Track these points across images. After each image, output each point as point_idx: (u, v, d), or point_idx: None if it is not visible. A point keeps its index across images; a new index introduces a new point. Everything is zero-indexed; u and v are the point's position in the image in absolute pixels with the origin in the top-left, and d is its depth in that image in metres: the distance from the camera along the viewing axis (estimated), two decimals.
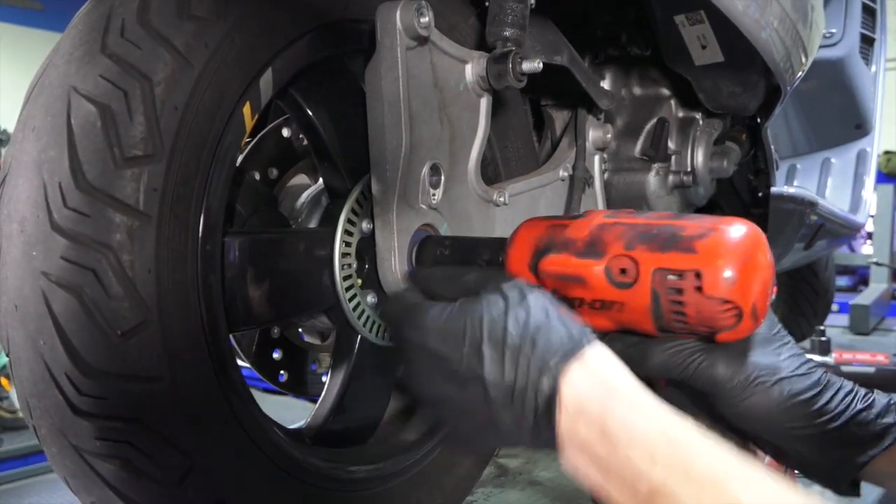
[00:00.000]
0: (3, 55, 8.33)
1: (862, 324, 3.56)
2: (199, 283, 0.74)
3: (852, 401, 0.76)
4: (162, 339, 0.70)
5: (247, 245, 0.85)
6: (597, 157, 1.34)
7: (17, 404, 5.16)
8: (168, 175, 0.70)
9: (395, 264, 0.95)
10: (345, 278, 0.95)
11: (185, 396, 0.72)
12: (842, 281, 5.41)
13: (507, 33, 1.00)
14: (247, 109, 0.80)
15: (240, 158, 0.98)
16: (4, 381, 5.17)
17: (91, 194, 0.67)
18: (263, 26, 0.79)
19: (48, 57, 0.75)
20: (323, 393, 1.02)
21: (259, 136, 1.02)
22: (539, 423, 0.64)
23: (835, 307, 3.28)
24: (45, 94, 0.71)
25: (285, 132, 1.04)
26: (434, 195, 0.98)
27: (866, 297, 3.82)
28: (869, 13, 2.55)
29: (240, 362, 0.89)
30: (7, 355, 0.73)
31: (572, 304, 0.76)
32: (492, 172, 1.18)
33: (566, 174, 1.25)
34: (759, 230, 0.73)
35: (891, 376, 2.71)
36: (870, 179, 2.49)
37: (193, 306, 0.74)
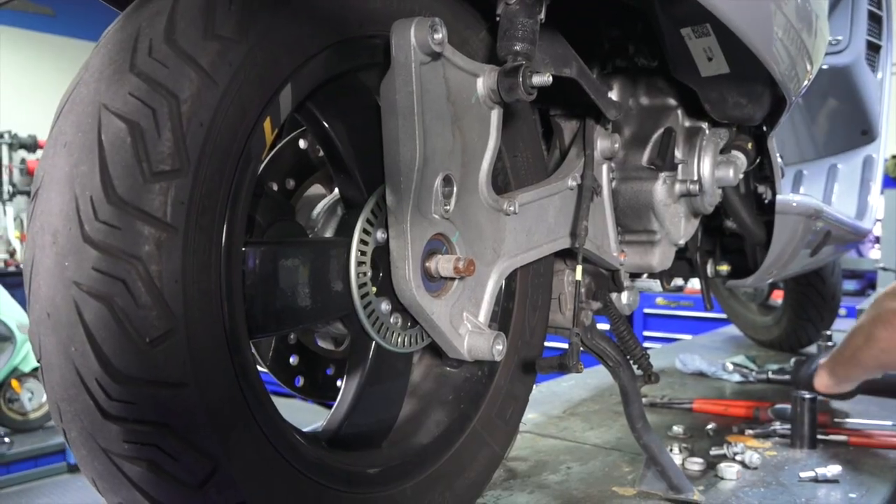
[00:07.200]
0: (14, 59, 8.39)
1: None
2: (223, 292, 0.77)
3: None
4: (188, 346, 0.73)
5: (266, 254, 0.88)
6: (605, 167, 1.36)
7: (27, 407, 5.19)
8: (194, 188, 0.73)
9: (408, 272, 0.98)
10: (360, 286, 0.97)
11: (209, 401, 0.75)
12: (849, 285, 5.40)
13: (517, 47, 1.02)
14: (267, 124, 0.82)
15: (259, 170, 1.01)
16: (15, 384, 5.20)
17: (121, 207, 0.70)
18: (283, 44, 0.82)
19: (78, 74, 0.78)
20: (338, 398, 1.04)
21: (277, 148, 1.05)
22: None
23: (842, 311, 3.28)
24: (77, 110, 0.74)
25: (302, 144, 1.07)
26: (447, 205, 1.01)
27: None
28: (875, 20, 2.57)
29: (258, 368, 0.92)
30: (38, 361, 0.76)
31: None
32: (502, 182, 1.20)
33: (574, 183, 1.28)
34: None
35: None
36: (876, 185, 2.51)
37: (217, 314, 0.76)
